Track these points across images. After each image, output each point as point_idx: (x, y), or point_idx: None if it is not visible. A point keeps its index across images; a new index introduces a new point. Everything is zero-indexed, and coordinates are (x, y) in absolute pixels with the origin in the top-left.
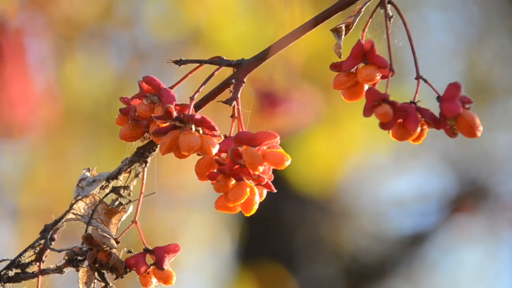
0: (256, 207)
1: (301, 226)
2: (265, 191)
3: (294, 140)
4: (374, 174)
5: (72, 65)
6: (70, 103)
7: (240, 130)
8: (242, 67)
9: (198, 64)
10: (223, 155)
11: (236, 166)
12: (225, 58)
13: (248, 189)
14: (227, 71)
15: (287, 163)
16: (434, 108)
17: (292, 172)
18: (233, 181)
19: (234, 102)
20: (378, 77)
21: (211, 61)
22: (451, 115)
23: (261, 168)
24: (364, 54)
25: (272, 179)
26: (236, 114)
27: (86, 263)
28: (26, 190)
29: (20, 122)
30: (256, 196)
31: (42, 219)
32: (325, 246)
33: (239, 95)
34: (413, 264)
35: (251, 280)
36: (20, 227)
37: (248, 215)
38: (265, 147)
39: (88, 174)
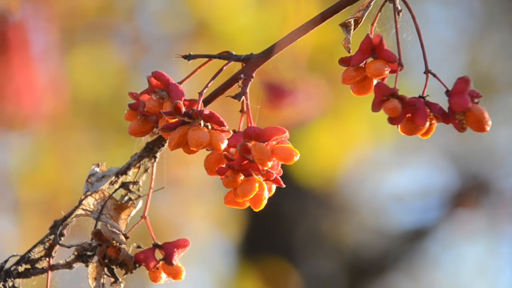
0: (265, 202)
1: (302, 220)
2: (274, 186)
3: (297, 133)
4: (376, 168)
5: (76, 57)
6: (73, 96)
7: (249, 125)
8: (250, 62)
9: (206, 59)
10: (232, 150)
11: (245, 162)
12: (233, 53)
13: (257, 185)
14: (234, 66)
15: (296, 158)
16: (442, 103)
17: (294, 166)
18: (242, 177)
19: (243, 97)
20: (387, 72)
21: (220, 56)
22: (460, 109)
23: (270, 164)
24: (372, 49)
25: (281, 174)
26: (245, 109)
27: (95, 258)
28: (29, 182)
29: (24, 115)
30: (265, 191)
31: (45, 211)
32: (326, 241)
33: (247, 90)
34: (414, 259)
35: (254, 274)
36: (23, 219)
37: (257, 210)
38: (274, 142)
39: (97, 169)
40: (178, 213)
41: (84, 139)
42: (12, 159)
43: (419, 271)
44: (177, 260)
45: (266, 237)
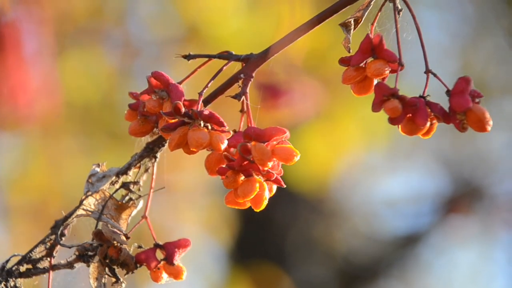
0: (266, 202)
1: (294, 226)
2: (274, 187)
3: (290, 137)
4: (368, 174)
5: (67, 61)
6: (64, 99)
7: (249, 125)
8: (250, 62)
9: (206, 59)
10: (233, 150)
11: (245, 162)
12: (233, 53)
13: (257, 185)
14: (234, 66)
15: (296, 158)
16: (443, 103)
17: (285, 171)
18: (242, 177)
19: (243, 97)
20: (387, 72)
21: (220, 56)
22: (461, 109)
23: (270, 164)
24: (373, 49)
25: (281, 174)
26: (245, 109)
27: (96, 258)
28: (19, 187)
29: (14, 116)
30: (265, 192)
31: (35, 216)
32: (318, 247)
33: (247, 90)
34: (406, 265)
35: (245, 280)
36: (12, 224)
37: (258, 210)
38: (274, 143)
39: (98, 169)
40: (169, 218)
41: (74, 143)
42: (1, 163)
43: (412, 277)
44: (178, 260)
45: (257, 242)
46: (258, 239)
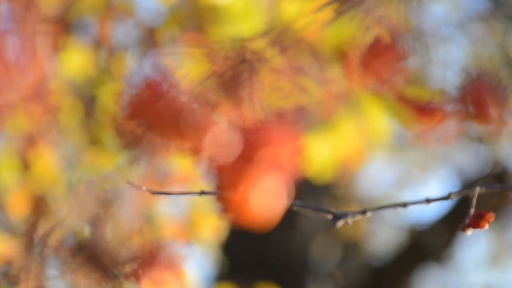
0: (265, 210)
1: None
2: (277, 192)
3: (308, 134)
4: (389, 181)
5: (67, 53)
6: (66, 94)
7: (251, 121)
8: (255, 51)
9: (205, 48)
10: (231, 150)
11: (244, 163)
12: (232, 42)
13: (256, 190)
14: (234, 54)
15: (299, 160)
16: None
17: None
18: (240, 180)
19: (245, 91)
20: (398, 71)
21: (220, 48)
22: (476, 107)
23: (270, 166)
24: (382, 47)
25: (285, 179)
26: (247, 104)
27: (83, 267)
28: (19, 184)
29: (10, 115)
30: (265, 198)
31: (35, 215)
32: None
33: (251, 82)
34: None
35: None
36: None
37: (257, 221)
38: (275, 142)
39: (85, 175)
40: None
41: (76, 139)
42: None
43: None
44: (171, 270)
45: (257, 257)
46: (257, 253)
